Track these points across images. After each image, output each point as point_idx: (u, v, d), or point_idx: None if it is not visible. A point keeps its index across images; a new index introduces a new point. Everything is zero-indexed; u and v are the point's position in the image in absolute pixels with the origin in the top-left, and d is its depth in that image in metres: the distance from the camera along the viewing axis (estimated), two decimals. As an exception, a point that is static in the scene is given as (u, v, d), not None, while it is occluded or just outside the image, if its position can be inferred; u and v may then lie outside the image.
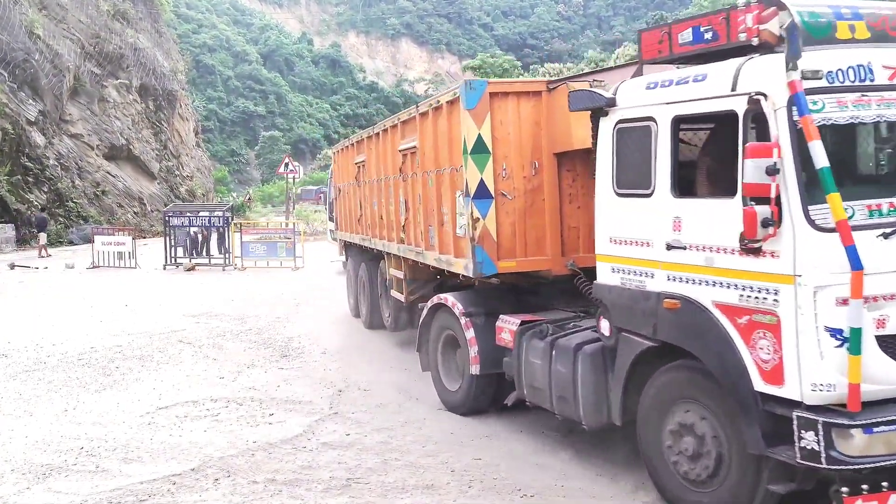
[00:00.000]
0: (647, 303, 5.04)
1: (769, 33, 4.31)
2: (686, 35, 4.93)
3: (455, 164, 7.17)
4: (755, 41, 4.38)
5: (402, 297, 9.58)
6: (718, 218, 4.50)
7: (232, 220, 24.24)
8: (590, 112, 5.63)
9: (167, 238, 23.19)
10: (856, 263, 3.90)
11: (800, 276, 4.07)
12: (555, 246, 6.89)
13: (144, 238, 32.90)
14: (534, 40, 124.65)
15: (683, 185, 4.90)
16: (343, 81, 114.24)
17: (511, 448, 6.55)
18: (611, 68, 7.60)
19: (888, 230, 4.12)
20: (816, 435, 3.98)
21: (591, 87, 6.08)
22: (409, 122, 8.74)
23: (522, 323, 6.55)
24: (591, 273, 6.08)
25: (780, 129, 4.14)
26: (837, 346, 4.02)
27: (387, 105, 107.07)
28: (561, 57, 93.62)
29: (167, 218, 23.67)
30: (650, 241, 5.03)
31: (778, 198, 4.09)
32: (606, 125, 5.44)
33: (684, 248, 4.75)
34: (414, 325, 9.95)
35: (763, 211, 4.08)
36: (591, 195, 6.56)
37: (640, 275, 5.15)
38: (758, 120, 4.24)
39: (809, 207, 4.07)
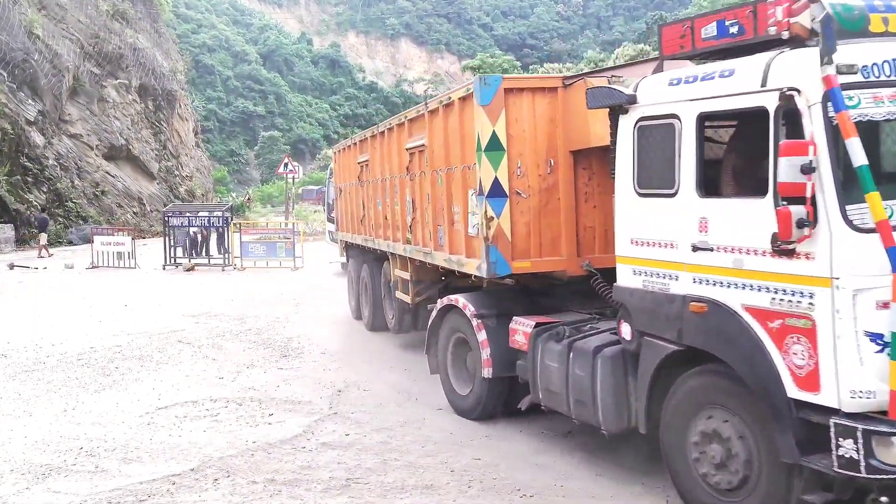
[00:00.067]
0: (672, 306, 4.88)
1: (800, 26, 4.15)
2: (710, 29, 4.78)
3: (467, 161, 7.03)
4: (785, 35, 4.22)
5: (407, 299, 9.43)
6: (748, 218, 4.35)
7: (231, 220, 24.24)
8: (608, 109, 5.47)
9: (166, 238, 23.19)
10: None
11: (837, 278, 3.92)
12: (570, 246, 6.76)
13: (144, 238, 32.91)
14: (533, 40, 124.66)
15: (709, 185, 4.75)
16: (342, 81, 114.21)
17: (511, 448, 6.54)
18: (629, 64, 7.37)
19: None
20: (855, 443, 3.83)
21: (609, 83, 5.92)
22: (418, 119, 8.58)
23: (537, 325, 6.38)
24: (607, 274, 5.98)
25: (815, 125, 3.98)
26: (877, 352, 3.87)
27: (386, 105, 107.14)
28: (560, 57, 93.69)
29: (166, 218, 23.66)
30: (674, 242, 4.88)
31: (813, 197, 3.93)
32: (626, 123, 5.28)
33: (711, 250, 4.59)
34: (418, 328, 9.90)
35: (798, 211, 3.92)
36: (608, 194, 6.41)
37: (664, 277, 4.99)
38: (790, 116, 4.08)
39: (847, 207, 3.93)
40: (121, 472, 6.16)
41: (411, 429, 7.10)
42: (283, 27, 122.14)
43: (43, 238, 27.25)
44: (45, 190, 32.47)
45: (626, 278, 5.39)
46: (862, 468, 3.83)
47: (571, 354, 5.80)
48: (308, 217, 37.57)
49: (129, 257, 22.91)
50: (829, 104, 3.94)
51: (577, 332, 6.01)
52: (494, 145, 6.54)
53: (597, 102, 5.53)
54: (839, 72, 3.93)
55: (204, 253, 23.83)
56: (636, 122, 5.19)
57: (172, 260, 22.94)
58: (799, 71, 4.09)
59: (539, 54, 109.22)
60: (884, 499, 3.96)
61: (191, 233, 23.69)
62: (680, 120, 4.80)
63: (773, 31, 4.29)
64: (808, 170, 3.88)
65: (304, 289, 17.49)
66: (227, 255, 22.93)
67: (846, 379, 3.92)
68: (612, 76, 6.30)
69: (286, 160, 33.42)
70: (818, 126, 3.98)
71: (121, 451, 6.68)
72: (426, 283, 9.11)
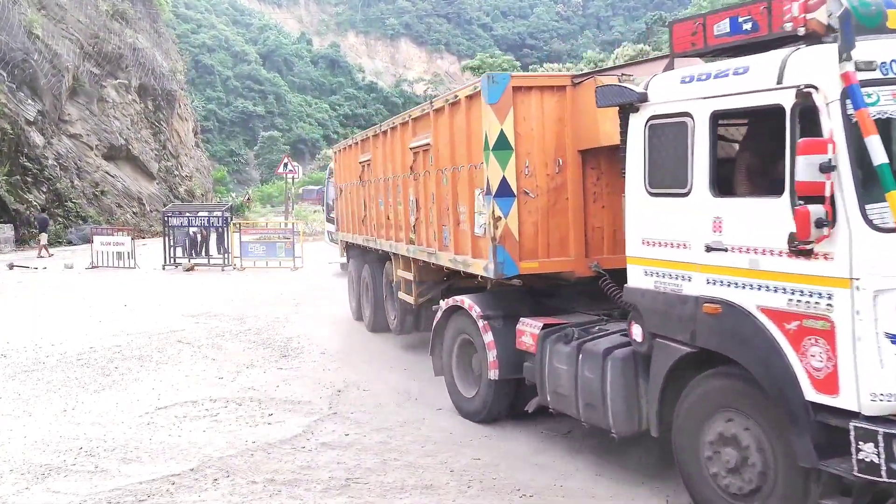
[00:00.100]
0: (685, 307, 4.80)
1: (817, 22, 4.10)
2: (723, 26, 4.70)
3: (474, 161, 6.96)
4: (801, 31, 4.18)
5: (411, 300, 9.36)
6: (764, 218, 4.27)
7: (231, 220, 24.23)
8: (618, 108, 5.39)
9: (166, 238, 23.18)
10: None
11: (857, 279, 3.85)
12: (578, 246, 6.68)
13: (143, 238, 32.91)
14: (533, 40, 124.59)
15: (723, 184, 4.67)
16: (342, 81, 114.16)
17: (510, 448, 6.54)
18: (639, 62, 7.23)
19: None
20: (876, 447, 3.75)
21: (619, 81, 5.85)
22: (422, 118, 8.51)
23: (545, 326, 6.30)
24: (615, 275, 5.92)
25: (833, 123, 3.91)
26: None
27: (386, 105, 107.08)
28: (560, 57, 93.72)
29: (166, 218, 23.65)
30: (687, 242, 4.80)
31: (832, 197, 3.86)
32: (637, 121, 5.20)
33: (725, 250, 4.51)
34: (420, 329, 9.89)
35: (816, 210, 3.85)
36: (616, 194, 6.40)
37: (676, 278, 4.90)
38: (807, 114, 4.01)
39: (866, 206, 3.86)
40: (120, 472, 6.16)
41: (411, 429, 7.10)
42: (283, 27, 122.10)
43: (44, 238, 27.24)
44: (44, 190, 32.46)
45: (637, 279, 5.31)
46: (883, 472, 3.75)
47: (581, 356, 5.72)
48: (308, 217, 37.56)
49: (128, 257, 22.91)
50: (848, 101, 3.88)
51: (586, 334, 5.93)
52: (502, 144, 6.47)
53: (607, 101, 5.45)
54: (858, 68, 3.87)
55: (203, 253, 23.84)
56: (647, 121, 5.11)
57: (172, 260, 22.93)
58: (816, 68, 4.03)
59: (539, 54, 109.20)
60: None
61: (190, 233, 23.69)
62: (692, 118, 4.73)
63: (788, 27, 4.24)
64: (826, 168, 3.81)
65: (303, 289, 17.49)
66: (226, 255, 22.93)
67: (866, 381, 3.85)
68: (623, 74, 6.23)
69: (286, 160, 33.42)
70: (837, 124, 3.91)
71: (120, 451, 6.68)
72: (429, 283, 9.04)
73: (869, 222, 3.86)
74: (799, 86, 4.00)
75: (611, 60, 49.05)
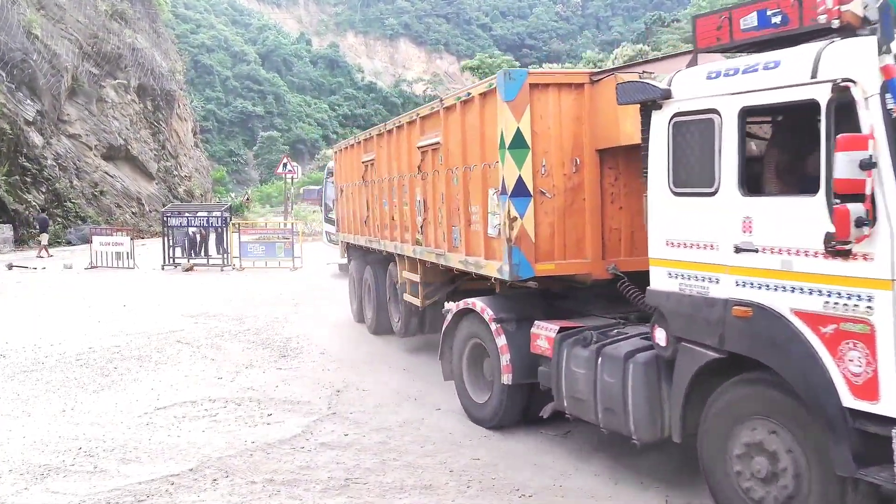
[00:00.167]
0: (712, 310, 4.64)
1: (852, 14, 3.99)
2: (750, 20, 4.58)
3: (488, 160, 6.82)
4: (836, 24, 4.05)
5: (417, 302, 9.22)
6: (797, 217, 4.12)
7: (230, 220, 24.23)
8: (640, 105, 5.24)
9: (165, 238, 23.21)
10: None
11: None
12: (595, 248, 6.52)
13: (143, 238, 32.94)
14: (532, 40, 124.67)
15: (753, 183, 4.53)
16: (341, 82, 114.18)
17: (509, 448, 6.55)
18: (660, 58, 7.04)
19: None
20: None
21: (640, 78, 5.69)
22: (431, 116, 8.36)
23: (561, 329, 6.14)
24: (633, 277, 5.85)
25: (873, 118, 3.76)
26: None
27: (385, 105, 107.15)
28: (559, 57, 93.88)
29: (165, 218, 23.66)
30: (715, 243, 4.64)
31: (872, 194, 3.71)
32: (660, 119, 5.05)
33: (756, 251, 4.36)
34: (425, 331, 9.81)
35: (856, 209, 3.69)
36: (634, 195, 6.32)
37: (703, 280, 4.74)
38: (844, 109, 3.84)
39: None
40: (119, 473, 6.16)
41: (410, 429, 7.10)
42: (282, 27, 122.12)
43: (45, 238, 27.25)
44: (43, 190, 32.45)
45: (660, 281, 5.14)
46: None
47: (600, 360, 5.56)
48: (307, 217, 37.58)
49: (127, 257, 22.94)
50: (888, 95, 3.75)
51: (604, 338, 5.77)
52: (519, 143, 6.30)
53: (628, 98, 5.30)
54: None
55: (203, 253, 23.86)
56: (671, 118, 4.96)
57: (171, 260, 22.95)
58: (854, 61, 3.88)
59: (538, 54, 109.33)
60: None
61: (190, 233, 23.70)
62: (720, 115, 4.58)
63: (822, 19, 4.12)
64: (867, 165, 3.68)
65: (303, 289, 17.50)
66: (225, 256, 22.94)
67: None
68: (644, 72, 6.03)
69: (285, 160, 33.42)
70: (877, 118, 3.77)
71: (119, 451, 6.68)
72: (435, 285, 8.92)
73: None
74: (835, 80, 3.85)
75: (610, 61, 49.07)
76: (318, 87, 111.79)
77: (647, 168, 5.21)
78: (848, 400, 3.90)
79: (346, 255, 14.45)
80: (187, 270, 22.33)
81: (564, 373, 5.97)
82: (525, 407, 6.86)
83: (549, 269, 6.45)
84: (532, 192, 6.35)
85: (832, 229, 3.83)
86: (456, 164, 7.57)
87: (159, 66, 45.33)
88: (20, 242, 29.67)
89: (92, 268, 22.70)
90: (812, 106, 4.00)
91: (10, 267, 22.51)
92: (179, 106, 49.64)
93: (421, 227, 8.71)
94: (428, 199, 8.45)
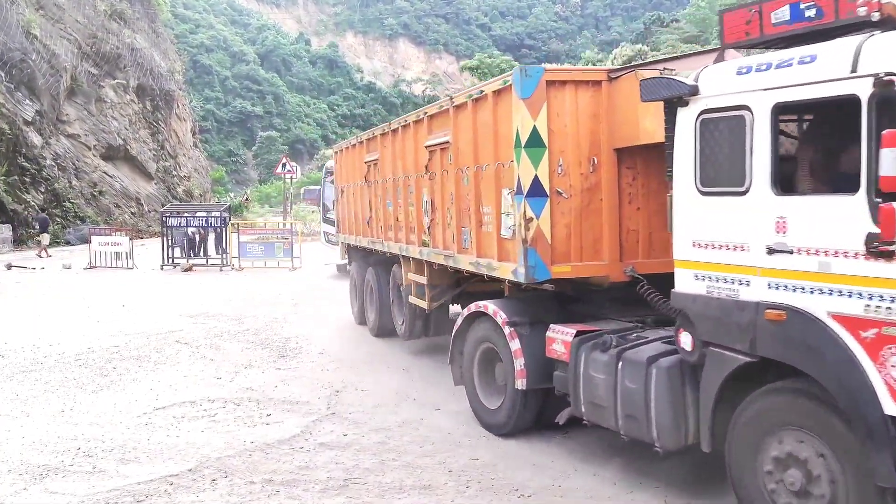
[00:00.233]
0: (743, 314, 4.46)
1: (893, 7, 3.90)
2: (782, 13, 4.42)
3: (501, 159, 6.63)
4: (876, 16, 3.95)
5: (423, 304, 9.06)
6: (835, 217, 3.95)
7: (229, 220, 24.22)
8: (664, 102, 5.06)
9: (164, 238, 23.17)
10: None
11: None
12: (613, 250, 6.33)
13: (142, 238, 32.93)
14: (531, 41, 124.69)
15: (787, 181, 4.36)
16: (340, 82, 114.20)
17: (508, 448, 6.52)
18: (682, 56, 6.78)
19: None
20: None
21: (661, 75, 5.51)
22: (440, 115, 8.17)
23: (579, 333, 5.97)
24: (652, 280, 5.74)
25: None
26: None
27: (384, 105, 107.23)
28: (559, 57, 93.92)
29: (164, 218, 23.64)
30: (746, 244, 4.47)
31: None
32: (686, 116, 4.87)
33: (790, 252, 4.19)
34: (429, 334, 9.73)
35: None
36: (652, 195, 6.24)
37: (733, 282, 4.57)
38: (886, 104, 3.70)
39: None
40: (118, 473, 6.15)
41: (409, 429, 7.09)
42: (281, 27, 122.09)
43: (46, 239, 27.23)
44: (42, 190, 32.45)
45: (686, 284, 4.95)
46: None
47: (621, 365, 5.39)
48: (306, 217, 37.58)
49: (126, 257, 22.91)
50: None
51: (624, 342, 5.60)
52: (535, 141, 6.12)
53: (652, 94, 5.09)
54: None
55: (202, 253, 23.83)
56: (698, 115, 4.79)
57: (170, 260, 22.93)
58: None
59: (537, 54, 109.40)
60: None
61: (189, 233, 23.69)
62: (751, 111, 4.40)
63: (861, 12, 4.01)
64: None
65: (302, 289, 17.48)
66: (224, 256, 22.92)
67: None
68: (665, 68, 5.88)
69: (284, 160, 33.40)
70: None
71: (118, 451, 6.66)
72: (442, 287, 8.79)
73: None
74: (877, 74, 3.70)
75: (609, 61, 49.05)
76: (317, 87, 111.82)
77: (671, 167, 5.05)
78: (890, 407, 3.76)
79: (346, 256, 14.28)
80: (186, 270, 22.31)
81: (582, 378, 5.78)
82: (539, 412, 6.69)
83: (566, 271, 6.27)
84: (548, 193, 6.17)
85: (875, 229, 3.69)
86: (466, 163, 7.40)
87: (158, 66, 45.32)
88: (19, 242, 29.66)
89: (91, 268, 22.68)
90: (852, 101, 3.85)
91: (9, 267, 22.49)
92: (178, 106, 49.62)
93: (428, 228, 8.54)
94: (436, 199, 8.28)
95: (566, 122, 6.26)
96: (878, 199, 3.68)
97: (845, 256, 3.93)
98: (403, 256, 9.64)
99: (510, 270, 6.52)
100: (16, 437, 7.10)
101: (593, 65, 45.95)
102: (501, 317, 6.69)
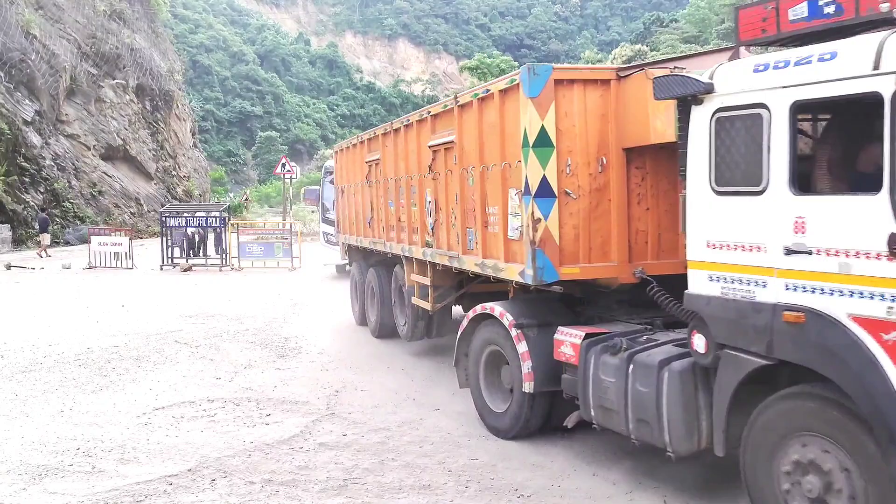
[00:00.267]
0: (760, 315, 4.36)
1: None
2: (800, 10, 4.35)
3: (508, 159, 6.53)
4: None
5: (427, 306, 8.96)
6: (857, 217, 3.86)
7: (229, 220, 24.22)
8: (677, 101, 4.98)
9: (164, 238, 23.14)
10: None
11: None
12: (622, 251, 6.22)
13: (141, 238, 32.92)
14: (531, 41, 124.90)
15: (806, 181, 4.27)
16: (340, 82, 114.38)
17: (507, 448, 6.51)
18: (692, 55, 6.76)
19: None
20: None
21: (672, 73, 5.43)
22: (444, 115, 8.05)
23: (587, 336, 5.87)
24: (661, 281, 5.66)
25: None
26: None
27: (383, 105, 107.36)
28: (558, 57, 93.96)
29: (164, 218, 23.60)
30: (762, 244, 4.37)
31: None
32: (701, 114, 4.77)
33: (809, 253, 4.08)
34: (432, 335, 9.66)
35: None
36: (661, 195, 6.19)
37: (749, 283, 4.47)
38: None
39: None
40: (118, 473, 6.14)
41: (408, 429, 7.07)
42: (281, 27, 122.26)
43: (47, 239, 27.22)
44: (42, 190, 32.44)
45: (700, 285, 4.85)
46: None
47: (631, 368, 5.29)
48: (305, 217, 37.58)
49: (126, 258, 22.90)
50: None
51: (634, 344, 5.51)
52: (543, 141, 6.02)
53: (666, 92, 4.98)
54: None
55: (201, 253, 23.81)
56: (713, 114, 4.69)
57: (170, 260, 22.90)
58: None
59: (536, 55, 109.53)
60: None
61: (188, 233, 23.67)
62: (769, 109, 4.31)
63: (884, 8, 3.94)
64: None
65: (301, 289, 17.48)
66: (224, 256, 22.90)
67: None
68: (675, 67, 5.79)
69: (284, 160, 33.38)
70: None
71: (118, 451, 6.65)
72: (445, 288, 8.72)
73: None
74: None
75: (608, 61, 49.13)
76: (316, 88, 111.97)
77: (684, 166, 4.96)
78: None
79: (346, 257, 14.18)
80: (186, 271, 22.30)
81: (592, 381, 5.67)
82: (546, 416, 6.59)
83: (574, 272, 6.17)
84: (556, 193, 6.08)
85: None
86: (472, 163, 7.29)
87: (158, 66, 45.29)
88: (18, 242, 29.66)
89: (90, 268, 22.66)
90: (874, 99, 3.77)
91: (9, 267, 22.48)
92: (178, 106, 49.60)
93: (432, 228, 8.44)
94: (440, 199, 8.18)
95: (574, 121, 6.17)
96: None
97: (867, 257, 3.84)
98: (406, 257, 9.53)
99: (517, 272, 6.43)
100: (15, 438, 7.09)
101: (593, 65, 45.95)
102: (508, 319, 6.59)
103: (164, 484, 5.86)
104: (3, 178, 29.75)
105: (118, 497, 5.64)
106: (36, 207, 30.75)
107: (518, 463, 6.15)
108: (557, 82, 6.08)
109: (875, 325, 3.80)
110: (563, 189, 6.13)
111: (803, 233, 4.13)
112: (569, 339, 6.03)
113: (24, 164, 31.51)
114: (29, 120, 32.40)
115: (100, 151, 38.01)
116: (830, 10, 4.21)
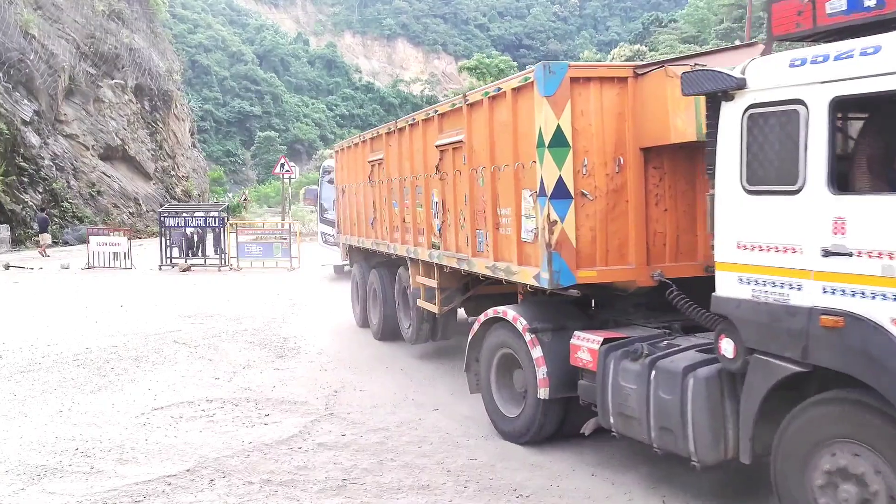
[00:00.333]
0: (794, 320, 4.20)
1: None
2: (838, 4, 4.22)
3: (521, 159, 6.35)
4: None
5: (434, 308, 8.78)
6: None
7: (227, 220, 24.21)
8: (706, 97, 4.84)
9: (162, 238, 23.12)
10: None
11: None
12: (640, 254, 6.04)
13: (140, 238, 32.88)
14: (529, 41, 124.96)
15: (845, 180, 4.12)
16: (339, 82, 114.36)
17: (506, 448, 6.51)
18: (714, 51, 6.62)
19: None
20: None
21: (694, 68, 5.27)
22: (452, 113, 7.87)
23: (606, 341, 5.71)
24: (680, 284, 5.53)
25: None
26: None
27: (382, 105, 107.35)
28: (557, 57, 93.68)
29: (162, 218, 23.58)
30: (798, 245, 4.20)
31: None
32: (732, 111, 4.61)
33: (849, 255, 3.92)
34: (437, 338, 9.58)
35: None
36: (680, 196, 6.09)
37: (783, 286, 4.30)
38: None
39: None
40: (116, 473, 6.13)
41: (407, 429, 7.07)
42: (280, 27, 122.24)
43: (47, 238, 27.19)
44: (40, 190, 32.43)
45: (729, 287, 4.68)
46: None
47: (654, 375, 5.12)
48: (305, 217, 37.57)
49: (125, 258, 22.87)
50: None
51: (656, 350, 5.33)
52: (559, 140, 5.83)
53: (696, 88, 4.81)
54: None
55: (200, 253, 23.80)
56: (745, 110, 4.53)
57: (168, 260, 22.88)
58: None
59: (535, 55, 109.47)
60: None
61: (187, 233, 23.65)
62: (806, 106, 4.15)
63: None
64: None
65: (300, 289, 17.48)
66: (223, 256, 22.88)
67: None
68: (696, 64, 5.60)
69: (283, 160, 33.36)
70: None
71: (116, 451, 6.65)
72: (452, 290, 8.58)
73: None
74: None
75: (607, 61, 49.12)
76: (315, 88, 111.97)
77: (712, 165, 4.80)
78: None
79: (346, 257, 14.03)
80: (184, 271, 22.28)
81: (611, 388, 5.50)
82: (561, 421, 6.43)
83: (591, 276, 5.97)
84: (573, 194, 5.88)
85: None
86: (482, 163, 7.10)
87: (156, 66, 45.28)
88: (17, 242, 29.63)
89: (89, 268, 22.64)
90: None
91: (7, 267, 22.46)
92: (177, 106, 49.59)
93: (439, 230, 8.27)
94: (447, 200, 8.01)
95: (591, 120, 5.99)
96: None
97: None
98: (411, 259, 9.35)
99: (532, 275, 6.23)
100: (14, 438, 7.08)
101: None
102: (522, 323, 6.41)
103: (162, 484, 5.85)
104: (1, 178, 29.73)
105: (117, 497, 5.63)
106: (34, 207, 30.74)
107: (517, 463, 6.15)
108: (573, 80, 5.91)
109: None
110: (579, 190, 5.93)
111: (843, 234, 3.97)
112: (586, 345, 5.87)
113: (22, 164, 31.48)
114: (27, 120, 32.38)
115: (98, 151, 37.99)
116: (871, 3, 4.08)
